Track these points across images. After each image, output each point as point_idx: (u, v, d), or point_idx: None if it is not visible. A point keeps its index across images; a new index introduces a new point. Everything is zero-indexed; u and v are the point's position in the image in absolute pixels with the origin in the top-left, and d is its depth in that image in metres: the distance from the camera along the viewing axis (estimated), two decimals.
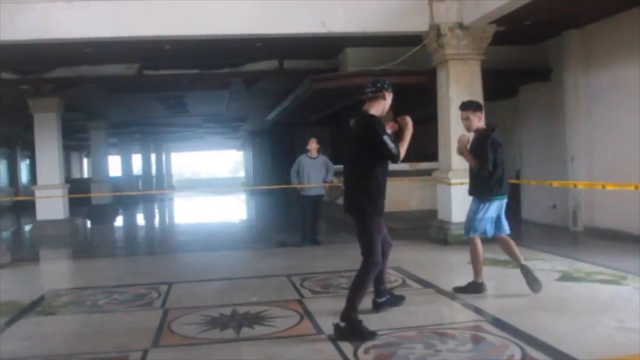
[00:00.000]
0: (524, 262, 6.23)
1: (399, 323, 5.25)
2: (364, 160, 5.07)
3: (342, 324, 4.89)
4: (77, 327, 5.75)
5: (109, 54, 11.34)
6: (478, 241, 6.37)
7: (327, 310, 5.85)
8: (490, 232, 6.28)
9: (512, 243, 6.31)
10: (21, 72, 12.20)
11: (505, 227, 6.32)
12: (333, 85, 11.83)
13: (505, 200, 6.27)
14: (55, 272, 9.57)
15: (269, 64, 12.75)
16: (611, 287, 6.27)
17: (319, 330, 5.16)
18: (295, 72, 12.97)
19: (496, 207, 6.23)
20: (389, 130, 5.17)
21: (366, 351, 4.53)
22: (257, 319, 5.60)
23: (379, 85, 5.20)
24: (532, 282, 6.03)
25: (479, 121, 6.33)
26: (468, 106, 6.39)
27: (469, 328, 5.01)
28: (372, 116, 5.15)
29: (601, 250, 8.59)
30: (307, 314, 5.71)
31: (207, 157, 62.26)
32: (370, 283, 5.19)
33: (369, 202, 5.03)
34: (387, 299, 5.71)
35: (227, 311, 5.94)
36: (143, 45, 10.47)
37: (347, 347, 4.63)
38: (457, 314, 5.68)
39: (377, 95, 5.19)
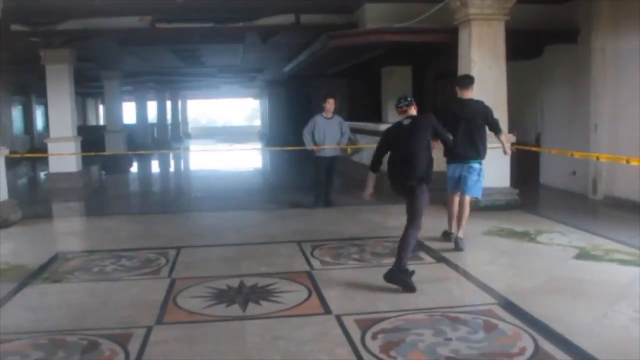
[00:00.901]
0: (451, 231, 7.41)
1: (410, 304, 5.12)
2: (426, 146, 6.00)
3: (393, 269, 5.76)
4: (83, 297, 5.67)
5: (120, 6, 11.06)
6: (453, 198, 7.34)
7: (336, 286, 5.76)
8: (449, 190, 7.36)
9: (465, 210, 7.17)
10: (32, 24, 11.95)
11: (468, 190, 7.16)
12: (350, 42, 11.47)
13: (457, 165, 7.20)
14: (65, 231, 9.50)
15: (285, 18, 12.38)
16: (630, 269, 6.05)
17: (327, 310, 5.04)
18: (312, 27, 12.59)
19: (452, 169, 7.23)
20: None
21: (374, 337, 4.40)
22: (264, 294, 5.49)
23: (409, 99, 6.22)
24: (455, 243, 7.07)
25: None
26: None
27: (481, 312, 4.85)
28: (427, 113, 6.36)
29: (621, 224, 8.32)
30: (316, 289, 5.59)
31: (224, 104, 62.01)
32: (415, 240, 6.02)
33: (428, 174, 5.96)
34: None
35: (235, 283, 5.84)
36: None
37: (354, 331, 4.51)
38: (469, 294, 5.52)
39: (409, 107, 6.18)
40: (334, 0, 11.15)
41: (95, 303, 5.46)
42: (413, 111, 6.19)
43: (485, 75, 9.48)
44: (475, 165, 7.16)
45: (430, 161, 6.00)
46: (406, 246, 5.75)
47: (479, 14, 9.41)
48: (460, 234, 7.13)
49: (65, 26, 12.12)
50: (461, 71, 9.85)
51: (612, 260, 6.37)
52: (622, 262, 6.31)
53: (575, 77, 11.11)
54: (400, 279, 5.57)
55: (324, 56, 13.22)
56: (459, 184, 7.21)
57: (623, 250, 6.76)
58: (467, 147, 7.11)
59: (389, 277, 5.62)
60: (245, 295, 5.49)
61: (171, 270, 6.50)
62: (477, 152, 7.17)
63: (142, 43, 14.19)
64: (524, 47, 11.27)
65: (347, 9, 12.09)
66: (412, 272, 5.63)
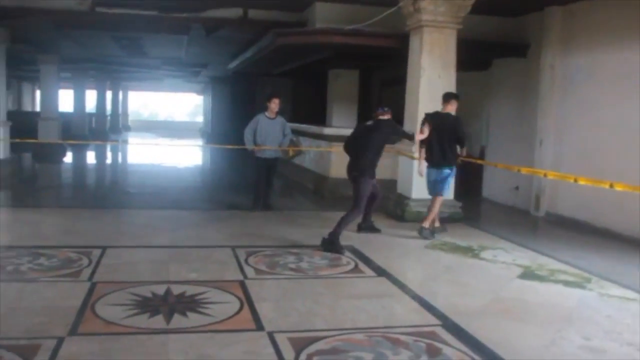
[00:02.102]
0: (426, 226, 8.07)
1: (348, 322, 4.78)
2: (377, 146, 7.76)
3: (326, 238, 7.18)
4: None
5: None
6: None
7: (270, 298, 5.39)
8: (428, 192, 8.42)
9: (433, 206, 8.16)
10: None
11: (438, 191, 8.20)
12: (297, 41, 11.07)
13: (432, 170, 8.24)
14: None
15: (233, 12, 11.92)
16: (576, 291, 5.87)
17: (259, 325, 4.64)
18: (260, 23, 12.15)
19: (428, 173, 8.29)
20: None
21: (309, 358, 4.04)
22: (192, 304, 5.06)
23: (385, 109, 7.88)
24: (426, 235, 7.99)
25: None
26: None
27: (423, 334, 4.53)
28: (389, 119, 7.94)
29: (564, 243, 8.23)
30: (248, 301, 5.18)
31: (167, 98, 60.78)
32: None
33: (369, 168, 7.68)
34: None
35: (161, 290, 5.39)
36: None
37: (288, 351, 4.13)
38: (412, 314, 5.18)
39: (382, 114, 7.85)
40: None
41: (3, 308, 4.88)
42: (383, 117, 7.80)
43: (435, 83, 9.28)
44: (446, 171, 8.14)
45: (374, 159, 7.63)
46: (343, 224, 7.29)
47: (431, 21, 9.18)
48: (425, 224, 8.08)
49: None
50: (410, 79, 9.66)
51: (557, 281, 6.19)
52: (567, 283, 6.13)
53: (522, 92, 11.04)
54: (334, 247, 7.07)
55: (270, 54, 12.79)
56: (434, 186, 8.24)
57: (568, 270, 6.60)
58: (439, 155, 8.11)
59: (324, 245, 7.12)
60: (171, 304, 5.04)
61: (93, 272, 5.98)
62: (446, 159, 8.12)
63: (81, 27, 13.45)
64: (473, 58, 11.13)
65: (297, 6, 11.72)
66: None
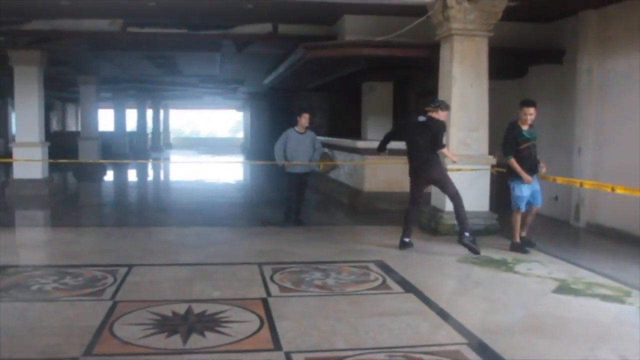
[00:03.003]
0: (517, 240, 8.01)
1: (369, 341, 4.61)
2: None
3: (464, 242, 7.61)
4: (11, 320, 5.04)
5: (89, 7, 10.54)
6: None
7: (292, 316, 5.23)
8: None
9: (512, 219, 8.13)
10: None
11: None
12: (327, 54, 10.99)
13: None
14: (14, 242, 8.81)
15: (262, 27, 11.91)
16: (613, 305, 5.58)
17: (277, 345, 4.49)
18: (290, 38, 12.13)
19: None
20: None
21: None
22: (211, 323, 4.95)
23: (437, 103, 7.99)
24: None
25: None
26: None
27: (447, 354, 4.33)
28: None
29: (604, 254, 7.89)
30: (269, 320, 5.05)
31: (208, 115, 61.45)
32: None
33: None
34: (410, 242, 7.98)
35: (182, 309, 5.29)
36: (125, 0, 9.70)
37: None
38: (437, 332, 4.97)
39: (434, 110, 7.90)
40: (313, 10, 10.68)
41: (22, 328, 4.87)
42: (433, 114, 7.80)
43: (467, 93, 9.09)
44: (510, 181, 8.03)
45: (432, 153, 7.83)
46: (463, 216, 7.66)
47: (461, 29, 8.99)
48: (516, 239, 8.06)
49: (31, 26, 11.53)
50: (442, 89, 9.47)
51: (593, 296, 5.89)
52: (604, 297, 5.83)
53: (559, 99, 10.72)
54: (464, 244, 7.54)
55: (302, 68, 12.74)
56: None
57: (605, 284, 6.30)
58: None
59: (469, 248, 7.53)
60: (190, 324, 4.95)
61: (116, 291, 5.93)
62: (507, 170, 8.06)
63: (114, 47, 13.64)
64: (508, 65, 10.87)
65: (327, 20, 11.65)
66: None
